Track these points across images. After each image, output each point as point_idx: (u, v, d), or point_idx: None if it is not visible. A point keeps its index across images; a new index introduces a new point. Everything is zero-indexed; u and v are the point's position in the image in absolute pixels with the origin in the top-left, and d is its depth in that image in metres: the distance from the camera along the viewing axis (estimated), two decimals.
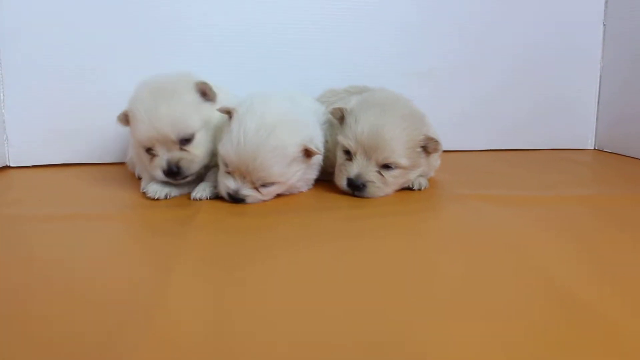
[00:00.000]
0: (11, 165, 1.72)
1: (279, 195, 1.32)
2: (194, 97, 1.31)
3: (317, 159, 1.35)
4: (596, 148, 2.12)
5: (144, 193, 1.32)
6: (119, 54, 1.72)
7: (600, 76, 2.08)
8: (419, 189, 1.38)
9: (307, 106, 1.44)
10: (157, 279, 0.82)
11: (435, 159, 1.44)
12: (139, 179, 1.45)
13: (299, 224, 1.14)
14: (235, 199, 1.24)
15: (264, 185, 1.24)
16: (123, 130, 1.68)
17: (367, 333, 0.65)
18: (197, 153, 1.30)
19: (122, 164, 1.72)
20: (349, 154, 1.32)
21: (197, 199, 1.28)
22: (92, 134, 1.76)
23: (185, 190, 1.35)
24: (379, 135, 1.27)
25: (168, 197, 1.30)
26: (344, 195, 1.33)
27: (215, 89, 1.33)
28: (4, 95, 1.68)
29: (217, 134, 1.32)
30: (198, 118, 1.29)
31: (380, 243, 1.02)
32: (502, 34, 1.99)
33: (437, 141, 1.30)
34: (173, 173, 1.28)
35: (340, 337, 0.64)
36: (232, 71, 1.63)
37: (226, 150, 1.22)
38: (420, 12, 1.92)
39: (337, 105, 1.38)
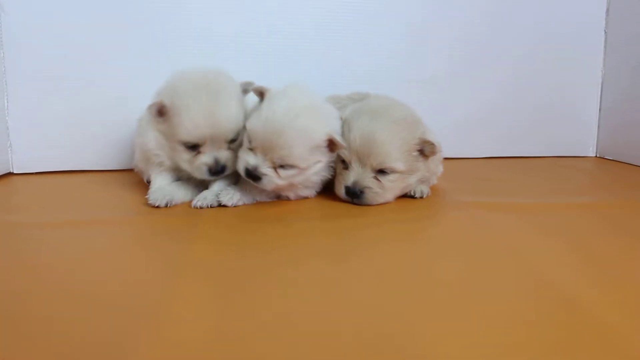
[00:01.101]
0: (15, 172, 1.73)
1: (279, 199, 1.34)
2: (241, 96, 1.35)
3: (332, 157, 1.34)
4: (598, 155, 2.12)
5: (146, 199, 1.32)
6: (122, 60, 1.73)
7: (602, 83, 2.08)
8: (421, 197, 1.38)
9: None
10: (161, 284, 0.82)
11: (437, 165, 1.44)
12: (148, 183, 1.44)
13: (301, 231, 1.15)
14: (253, 175, 1.24)
15: (282, 167, 1.25)
16: (127, 136, 1.71)
17: (368, 338, 0.66)
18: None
19: (125, 170, 1.74)
20: (345, 163, 1.33)
21: (197, 207, 1.29)
22: (96, 141, 1.76)
23: (186, 197, 1.35)
24: (370, 140, 1.27)
25: (169, 205, 1.30)
26: (345, 204, 1.34)
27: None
28: (7, 102, 1.69)
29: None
30: (242, 118, 1.32)
31: (382, 251, 1.02)
32: (503, 41, 1.99)
33: (432, 144, 1.30)
34: (218, 172, 1.31)
35: (343, 342, 0.65)
36: (232, 75, 1.62)
37: (253, 124, 1.24)
38: (422, 20, 1.93)
39: None
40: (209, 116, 1.26)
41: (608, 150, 2.07)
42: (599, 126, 2.11)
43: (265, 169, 1.24)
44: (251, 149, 1.26)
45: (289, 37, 1.84)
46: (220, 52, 1.80)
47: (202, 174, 1.31)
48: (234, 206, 1.30)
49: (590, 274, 0.88)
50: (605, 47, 2.05)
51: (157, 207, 1.29)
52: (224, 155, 1.31)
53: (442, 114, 1.52)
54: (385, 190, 1.31)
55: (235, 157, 1.30)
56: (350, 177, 1.30)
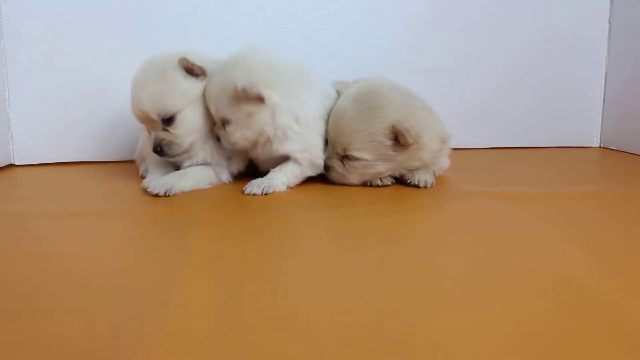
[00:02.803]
0: (16, 163, 1.72)
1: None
2: (177, 75, 1.31)
3: None
4: (602, 145, 2.11)
5: (144, 189, 1.32)
6: (124, 52, 1.72)
7: (606, 73, 2.07)
8: (425, 187, 1.37)
9: None
10: (165, 275, 0.82)
11: (443, 159, 1.44)
12: (142, 177, 1.45)
13: (305, 221, 1.14)
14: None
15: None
16: (128, 128, 1.70)
17: (376, 327, 0.65)
18: (178, 133, 1.32)
19: (127, 162, 1.73)
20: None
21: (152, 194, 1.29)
22: (97, 133, 1.76)
23: (186, 186, 1.34)
24: (338, 127, 1.33)
25: (168, 194, 1.29)
26: (349, 194, 1.33)
27: (203, 61, 1.33)
28: (8, 93, 1.68)
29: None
30: (179, 97, 1.30)
31: (388, 239, 1.02)
32: (507, 32, 1.98)
33: (404, 135, 1.26)
34: (159, 152, 1.33)
35: (349, 331, 0.64)
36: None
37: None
38: (426, 10, 1.92)
39: None
40: (134, 96, 1.31)
41: (612, 141, 2.06)
42: (602, 116, 2.10)
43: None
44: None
45: (294, 29, 1.83)
46: (223, 43, 1.78)
47: (154, 155, 1.36)
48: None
49: (597, 261, 0.88)
50: (609, 37, 2.04)
51: (156, 195, 1.28)
52: (160, 136, 1.32)
53: (445, 104, 1.51)
54: (349, 173, 1.36)
55: (174, 139, 1.32)
56: (326, 153, 1.39)
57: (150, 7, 1.74)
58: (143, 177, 1.45)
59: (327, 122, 1.38)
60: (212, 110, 1.32)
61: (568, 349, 0.60)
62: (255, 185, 1.31)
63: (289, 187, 1.36)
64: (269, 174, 1.35)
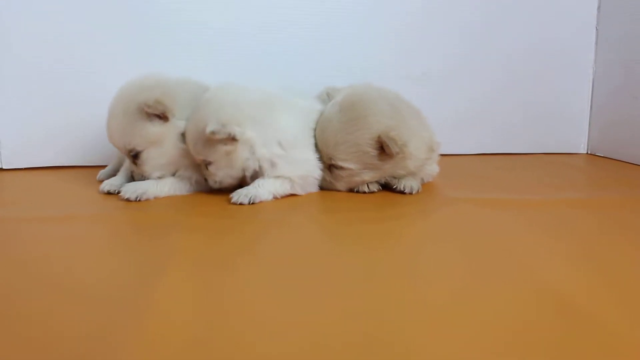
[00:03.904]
0: (4, 167, 1.72)
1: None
2: (137, 118, 1.30)
3: None
4: (589, 152, 2.13)
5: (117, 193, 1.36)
6: (113, 57, 1.72)
7: (593, 81, 2.08)
8: (410, 193, 1.37)
9: None
10: (147, 278, 0.82)
11: (431, 166, 1.46)
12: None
13: (291, 226, 1.15)
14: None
15: None
16: None
17: (357, 333, 0.65)
18: (143, 169, 1.34)
19: None
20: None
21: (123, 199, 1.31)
22: (85, 137, 1.76)
23: (161, 192, 1.35)
24: (323, 137, 1.35)
25: (139, 200, 1.31)
26: (335, 200, 1.34)
27: (172, 105, 1.30)
28: None
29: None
30: (141, 139, 1.31)
31: (374, 246, 1.02)
32: (495, 38, 2.00)
33: (389, 146, 1.27)
34: (133, 180, 1.38)
35: (330, 337, 0.64)
36: (226, 71, 1.63)
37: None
38: (415, 16, 1.93)
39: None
40: (107, 126, 1.36)
41: (599, 148, 2.08)
42: (590, 123, 2.11)
43: None
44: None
45: (284, 34, 1.84)
46: (214, 50, 1.80)
47: None
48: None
49: (584, 269, 0.88)
50: (596, 45, 2.06)
51: (128, 200, 1.30)
52: (131, 167, 1.37)
53: (434, 111, 1.51)
54: (336, 181, 1.38)
55: (142, 172, 1.36)
56: None
57: (140, 13, 1.74)
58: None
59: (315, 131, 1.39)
60: (192, 152, 1.31)
61: (552, 358, 0.61)
62: (243, 195, 1.30)
63: (275, 197, 1.33)
64: (256, 182, 1.33)
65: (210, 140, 1.26)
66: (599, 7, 2.03)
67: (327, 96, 1.49)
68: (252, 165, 1.31)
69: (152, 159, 1.34)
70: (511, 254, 0.95)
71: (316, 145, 1.38)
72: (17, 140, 1.72)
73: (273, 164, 1.32)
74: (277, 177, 1.33)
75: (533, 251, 0.97)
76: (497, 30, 1.99)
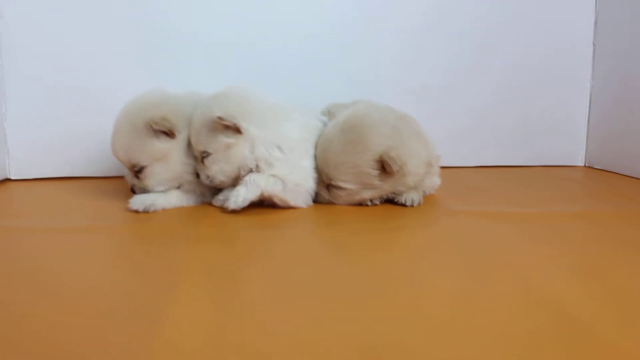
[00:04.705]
0: (12, 178, 1.75)
1: (275, 208, 1.37)
2: (143, 134, 1.32)
3: None
4: (586, 165, 2.16)
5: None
6: (120, 69, 1.76)
7: (591, 94, 2.12)
8: (412, 205, 1.40)
9: None
10: (159, 291, 0.83)
11: (432, 179, 1.49)
12: (132, 192, 1.46)
13: (294, 237, 1.17)
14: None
15: None
16: None
17: (363, 342, 0.67)
18: (146, 183, 1.36)
19: (119, 177, 1.75)
20: None
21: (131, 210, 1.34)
22: (91, 149, 1.79)
23: (169, 204, 1.38)
24: (324, 157, 1.37)
25: (148, 211, 1.34)
26: (337, 212, 1.36)
27: (178, 122, 1.33)
28: (5, 108, 1.71)
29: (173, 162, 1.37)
30: (146, 155, 1.33)
31: (374, 258, 1.04)
32: (494, 53, 2.03)
33: (390, 165, 1.29)
34: (134, 193, 1.39)
35: (338, 345, 0.66)
36: (227, 84, 1.64)
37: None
38: (415, 32, 1.97)
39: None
40: (111, 140, 1.37)
41: (596, 160, 2.11)
42: (587, 136, 2.15)
43: None
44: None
45: (285, 47, 1.87)
46: (218, 62, 1.83)
47: None
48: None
49: (583, 281, 0.89)
50: (593, 59, 2.09)
51: (136, 211, 1.33)
52: (133, 181, 1.39)
53: (433, 124, 1.54)
54: (335, 199, 1.40)
55: (145, 187, 1.37)
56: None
57: (148, 27, 1.78)
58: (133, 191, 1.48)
59: (315, 147, 1.42)
60: (193, 143, 1.34)
61: None
62: (231, 200, 1.29)
63: (262, 196, 1.31)
64: (246, 178, 1.31)
65: (214, 130, 1.29)
66: (595, 22, 2.07)
67: (328, 114, 1.52)
68: (249, 164, 1.33)
69: (156, 174, 1.36)
70: (510, 265, 0.97)
71: (316, 165, 1.40)
72: (25, 152, 1.75)
73: (270, 164, 1.33)
74: (272, 175, 1.33)
75: (532, 263, 0.99)
76: (496, 45, 2.03)
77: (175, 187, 1.41)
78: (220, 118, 1.26)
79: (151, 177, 1.36)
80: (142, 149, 1.33)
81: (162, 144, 1.34)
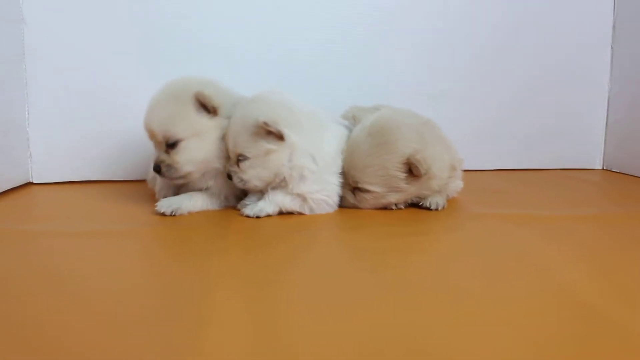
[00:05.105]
0: (34, 181, 1.76)
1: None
2: (188, 106, 1.33)
3: None
4: (604, 168, 2.16)
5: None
6: (143, 75, 1.77)
7: (608, 98, 2.12)
8: (436, 209, 1.41)
9: None
10: (196, 297, 0.84)
11: (455, 182, 1.50)
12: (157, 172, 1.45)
13: (321, 242, 1.18)
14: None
15: None
16: (142, 148, 1.74)
17: (400, 344, 0.68)
18: (176, 159, 1.34)
19: (140, 181, 1.77)
20: None
21: (159, 213, 1.34)
22: (112, 153, 1.80)
23: (195, 207, 1.39)
24: (351, 160, 1.38)
25: (175, 214, 1.34)
26: (363, 215, 1.37)
27: (222, 103, 1.35)
28: (28, 113, 1.73)
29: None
30: (185, 127, 1.33)
31: (406, 261, 1.05)
32: (512, 56, 2.04)
33: (418, 167, 1.31)
34: (158, 171, 1.35)
35: (374, 345, 0.68)
36: (251, 91, 1.66)
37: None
38: (434, 35, 1.98)
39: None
40: (146, 114, 1.35)
41: (614, 163, 2.11)
42: (605, 139, 2.15)
43: None
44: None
45: (304, 52, 1.89)
46: (238, 69, 1.84)
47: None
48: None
49: (601, 279, 0.92)
50: (611, 62, 2.10)
51: (163, 214, 1.33)
52: (161, 157, 1.35)
53: (452, 127, 1.55)
54: (360, 203, 1.41)
55: (172, 164, 1.33)
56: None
57: (168, 34, 1.80)
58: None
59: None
60: (230, 145, 1.33)
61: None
62: (248, 208, 1.35)
63: (281, 212, 1.36)
64: (266, 196, 1.36)
65: (255, 135, 1.29)
66: (613, 26, 2.07)
67: (352, 118, 1.53)
68: (284, 172, 1.33)
69: (190, 151, 1.34)
70: (537, 268, 0.98)
71: (342, 168, 1.40)
72: (48, 156, 1.76)
73: (302, 177, 1.33)
74: (289, 194, 1.35)
75: (554, 264, 1.00)
76: (514, 48, 2.03)
77: (200, 174, 1.39)
78: (265, 123, 1.26)
79: (184, 153, 1.33)
80: (182, 120, 1.32)
81: (203, 120, 1.34)
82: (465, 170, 1.68)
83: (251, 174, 1.34)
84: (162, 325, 0.74)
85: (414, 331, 0.72)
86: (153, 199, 1.51)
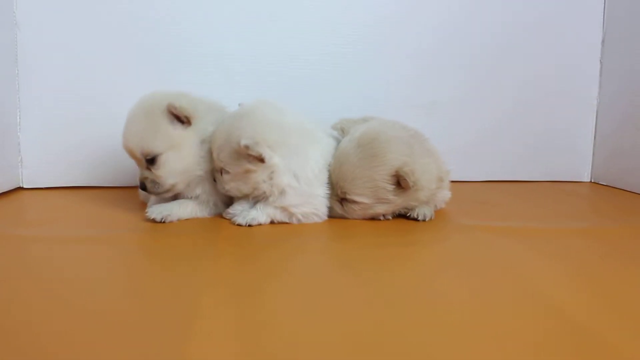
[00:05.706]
0: (25, 186, 1.76)
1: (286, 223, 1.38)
2: (162, 119, 1.34)
3: None
4: (592, 181, 2.18)
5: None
6: (134, 81, 1.78)
7: (597, 112, 2.14)
8: (424, 220, 1.42)
9: None
10: (182, 305, 0.84)
11: (442, 193, 1.50)
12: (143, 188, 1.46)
13: (309, 252, 1.19)
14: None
15: None
16: None
17: (386, 354, 0.68)
18: (158, 174, 1.35)
19: (131, 187, 1.77)
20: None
21: (149, 219, 1.35)
22: (103, 158, 1.80)
23: (184, 214, 1.40)
24: (340, 171, 1.37)
25: (164, 221, 1.35)
26: (351, 225, 1.38)
27: (195, 111, 1.36)
28: (20, 119, 1.73)
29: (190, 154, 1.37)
30: (161, 141, 1.33)
31: (389, 271, 1.05)
32: (504, 70, 2.06)
33: (406, 180, 1.31)
34: (144, 189, 1.37)
35: (360, 356, 0.68)
36: (243, 99, 1.68)
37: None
38: (426, 48, 1.99)
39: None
40: (123, 132, 1.36)
41: (602, 176, 2.13)
42: (593, 153, 2.17)
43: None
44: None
45: (298, 62, 1.90)
46: (234, 77, 1.85)
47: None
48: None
49: (592, 296, 0.92)
50: (600, 76, 2.12)
51: (153, 220, 1.34)
52: (144, 174, 1.36)
53: (443, 139, 1.57)
54: (348, 214, 1.42)
55: (156, 179, 1.35)
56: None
57: (161, 39, 1.80)
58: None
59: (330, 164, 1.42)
60: (214, 155, 1.35)
61: None
62: (241, 216, 1.36)
63: (272, 222, 1.38)
64: (257, 206, 1.37)
65: (237, 153, 1.29)
66: (603, 41, 2.10)
67: (341, 130, 1.54)
68: (264, 189, 1.34)
69: (170, 163, 1.34)
70: (523, 281, 0.98)
71: (330, 179, 1.41)
72: (38, 160, 1.76)
73: (283, 193, 1.34)
74: (278, 207, 1.36)
75: (543, 278, 1.01)
76: (505, 62, 2.06)
77: (184, 184, 1.40)
78: (247, 147, 1.26)
79: (164, 167, 1.34)
80: (157, 135, 1.33)
81: (177, 131, 1.35)
82: (455, 182, 1.69)
83: (232, 186, 1.36)
84: (147, 333, 0.74)
85: (399, 341, 0.73)
86: (143, 205, 1.52)
